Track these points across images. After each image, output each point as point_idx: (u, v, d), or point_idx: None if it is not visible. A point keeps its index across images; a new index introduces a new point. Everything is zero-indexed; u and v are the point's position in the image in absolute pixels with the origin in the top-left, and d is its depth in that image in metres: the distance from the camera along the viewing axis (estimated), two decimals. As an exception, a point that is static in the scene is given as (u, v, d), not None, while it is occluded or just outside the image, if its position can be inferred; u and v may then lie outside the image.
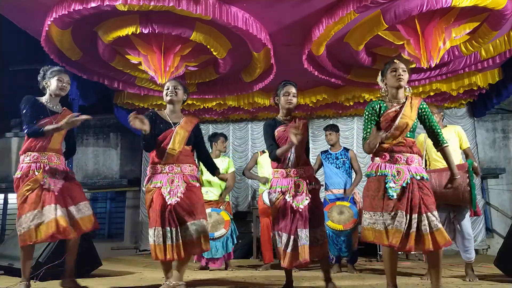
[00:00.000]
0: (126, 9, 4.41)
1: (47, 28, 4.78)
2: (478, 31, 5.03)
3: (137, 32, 4.79)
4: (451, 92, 6.85)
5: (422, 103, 2.76)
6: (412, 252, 6.42)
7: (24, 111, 3.03)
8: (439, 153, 2.85)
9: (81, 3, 4.36)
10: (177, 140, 2.98)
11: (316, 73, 6.04)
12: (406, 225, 2.52)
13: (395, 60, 2.80)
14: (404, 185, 2.57)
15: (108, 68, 5.96)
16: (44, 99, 3.18)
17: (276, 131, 3.12)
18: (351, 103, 7.32)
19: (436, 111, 3.94)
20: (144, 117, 2.87)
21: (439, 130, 2.77)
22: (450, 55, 5.55)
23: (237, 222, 5.02)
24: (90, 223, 3.14)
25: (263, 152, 5.27)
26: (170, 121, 3.08)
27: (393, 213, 2.56)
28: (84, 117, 2.97)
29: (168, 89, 3.11)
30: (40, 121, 3.04)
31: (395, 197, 2.57)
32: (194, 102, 7.29)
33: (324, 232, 3.06)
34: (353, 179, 4.82)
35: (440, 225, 2.53)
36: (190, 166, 3.01)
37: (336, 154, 4.79)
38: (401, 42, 5.04)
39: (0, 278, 3.90)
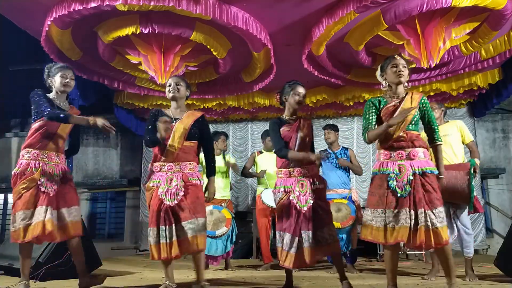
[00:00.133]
0: (126, 9, 4.41)
1: (47, 28, 4.78)
2: (478, 31, 5.03)
3: (137, 32, 4.79)
4: (451, 92, 6.86)
5: (423, 97, 2.76)
6: (410, 252, 6.43)
7: (36, 99, 2.99)
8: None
9: (81, 3, 4.36)
10: (176, 136, 2.95)
11: (316, 73, 6.04)
12: (413, 221, 2.51)
13: (395, 56, 2.79)
14: (407, 182, 2.56)
15: (108, 68, 5.96)
16: (51, 96, 3.15)
17: (281, 130, 3.12)
18: (351, 103, 7.32)
19: (436, 106, 3.94)
20: (168, 126, 2.88)
21: (436, 127, 2.77)
22: (450, 55, 5.55)
23: (237, 222, 5.02)
24: (80, 228, 3.10)
25: (261, 152, 5.27)
26: (173, 117, 3.06)
27: (396, 210, 2.55)
28: (112, 128, 3.00)
29: (170, 85, 3.11)
30: None
31: (405, 195, 2.54)
32: (194, 102, 7.29)
33: (333, 230, 2.99)
34: (351, 179, 4.83)
35: (440, 224, 2.50)
36: (190, 163, 2.98)
37: (335, 153, 4.79)
38: (401, 42, 5.04)
39: (0, 278, 3.90)
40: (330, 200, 4.64)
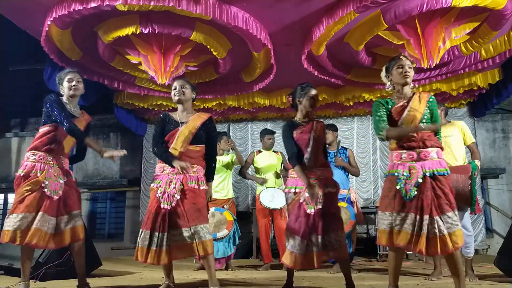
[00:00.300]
0: (126, 9, 4.41)
1: (47, 28, 4.78)
2: (478, 31, 5.03)
3: (137, 32, 4.79)
4: (451, 92, 6.86)
5: (431, 97, 2.74)
6: (410, 252, 6.42)
7: (50, 108, 2.99)
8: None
9: (81, 3, 4.36)
10: (179, 140, 2.94)
11: (316, 73, 6.04)
12: (417, 226, 2.46)
13: (401, 57, 2.78)
14: (415, 184, 2.51)
15: (108, 68, 5.96)
16: (64, 101, 3.15)
17: (294, 133, 3.11)
18: (351, 103, 7.32)
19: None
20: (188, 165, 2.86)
21: (439, 128, 2.75)
22: (450, 55, 5.55)
23: (237, 222, 5.02)
24: (79, 234, 3.07)
25: (260, 151, 5.27)
26: (179, 121, 3.03)
27: (403, 214, 2.51)
28: (122, 152, 2.99)
29: (175, 89, 3.07)
30: None
31: (411, 199, 2.50)
32: (194, 102, 7.28)
33: (341, 236, 2.95)
34: (351, 179, 4.82)
35: (448, 230, 2.43)
36: (194, 167, 2.94)
37: (334, 152, 4.79)
38: (401, 42, 5.04)
39: (0, 278, 3.90)
40: None
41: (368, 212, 6.67)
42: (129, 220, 8.69)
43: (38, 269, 3.47)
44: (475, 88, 6.74)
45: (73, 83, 3.12)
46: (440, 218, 2.45)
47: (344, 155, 4.78)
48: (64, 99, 3.15)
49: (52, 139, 3.02)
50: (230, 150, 5.16)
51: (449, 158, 3.74)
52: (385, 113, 2.71)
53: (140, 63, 5.41)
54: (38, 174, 2.92)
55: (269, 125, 8.10)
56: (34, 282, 3.41)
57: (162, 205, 2.80)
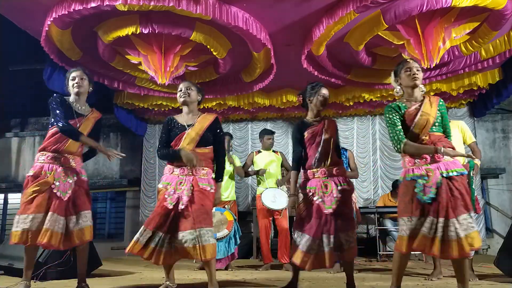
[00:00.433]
0: (126, 9, 4.41)
1: (47, 28, 4.78)
2: (478, 31, 5.03)
3: (137, 32, 4.79)
4: (451, 92, 6.85)
5: (441, 100, 2.75)
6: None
7: (53, 108, 3.02)
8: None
9: (81, 3, 4.36)
10: (185, 143, 2.92)
11: (316, 73, 6.03)
12: (433, 229, 2.44)
13: (408, 60, 2.79)
14: (436, 186, 2.48)
15: (108, 68, 5.96)
16: (70, 99, 3.17)
17: (305, 133, 3.12)
18: (351, 103, 7.32)
19: None
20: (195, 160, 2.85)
21: (449, 131, 2.75)
22: (450, 55, 5.55)
23: (238, 223, 5.02)
24: (89, 234, 3.08)
25: (259, 152, 5.27)
26: (185, 124, 3.01)
27: (422, 218, 2.49)
28: (120, 155, 3.02)
29: (181, 90, 3.06)
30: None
31: (429, 201, 2.48)
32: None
33: (351, 237, 2.94)
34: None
35: (464, 232, 2.40)
36: (203, 169, 2.93)
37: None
38: (401, 42, 5.04)
39: (0, 278, 3.90)
40: None
41: (368, 212, 6.67)
42: (129, 220, 8.68)
43: (38, 269, 3.47)
44: (475, 88, 6.74)
45: (76, 80, 3.14)
46: (457, 219, 2.43)
47: (344, 156, 4.78)
48: (71, 98, 3.17)
49: (59, 139, 3.03)
50: (230, 151, 5.16)
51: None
52: (399, 121, 2.68)
53: (140, 63, 5.41)
54: (48, 175, 2.93)
55: (269, 125, 8.10)
56: (34, 282, 3.41)
57: (170, 206, 2.79)
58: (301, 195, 3.09)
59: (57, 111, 3.00)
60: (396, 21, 4.56)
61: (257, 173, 5.09)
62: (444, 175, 2.52)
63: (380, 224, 6.36)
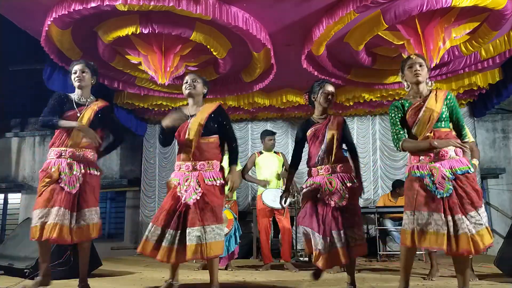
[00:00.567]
0: (126, 9, 4.41)
1: (47, 28, 4.78)
2: (478, 31, 5.03)
3: (137, 32, 4.79)
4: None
5: (449, 93, 2.71)
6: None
7: (47, 105, 3.09)
8: None
9: (81, 3, 4.36)
10: (191, 133, 2.89)
11: (316, 73, 6.03)
12: (441, 226, 2.42)
13: (411, 56, 2.78)
14: (447, 179, 2.48)
15: (108, 68, 5.96)
16: (74, 94, 3.21)
17: (309, 130, 3.14)
18: (351, 103, 7.32)
19: None
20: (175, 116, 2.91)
21: (463, 124, 2.72)
22: (450, 55, 5.55)
23: (238, 222, 5.01)
24: (94, 231, 3.06)
25: (261, 153, 5.27)
26: (189, 114, 2.98)
27: (425, 213, 2.47)
28: (99, 141, 3.10)
29: (186, 82, 3.04)
30: (65, 113, 3.08)
31: (446, 195, 2.46)
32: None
33: (357, 234, 2.91)
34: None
35: (476, 228, 2.40)
36: (208, 162, 2.89)
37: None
38: (401, 42, 5.04)
39: (0, 278, 3.90)
40: None
41: (368, 212, 6.66)
42: (129, 220, 8.68)
43: (38, 269, 3.46)
44: (475, 88, 6.74)
45: (77, 74, 3.17)
46: (466, 217, 2.43)
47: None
48: (75, 91, 3.20)
49: (63, 134, 3.07)
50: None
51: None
52: (400, 121, 2.70)
53: (140, 63, 5.41)
54: (53, 169, 2.97)
55: (269, 125, 8.10)
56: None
57: (183, 201, 2.79)
58: (306, 190, 3.07)
59: (45, 108, 3.07)
60: (396, 21, 4.57)
61: (259, 183, 5.08)
62: (448, 173, 2.51)
63: (380, 224, 6.36)
